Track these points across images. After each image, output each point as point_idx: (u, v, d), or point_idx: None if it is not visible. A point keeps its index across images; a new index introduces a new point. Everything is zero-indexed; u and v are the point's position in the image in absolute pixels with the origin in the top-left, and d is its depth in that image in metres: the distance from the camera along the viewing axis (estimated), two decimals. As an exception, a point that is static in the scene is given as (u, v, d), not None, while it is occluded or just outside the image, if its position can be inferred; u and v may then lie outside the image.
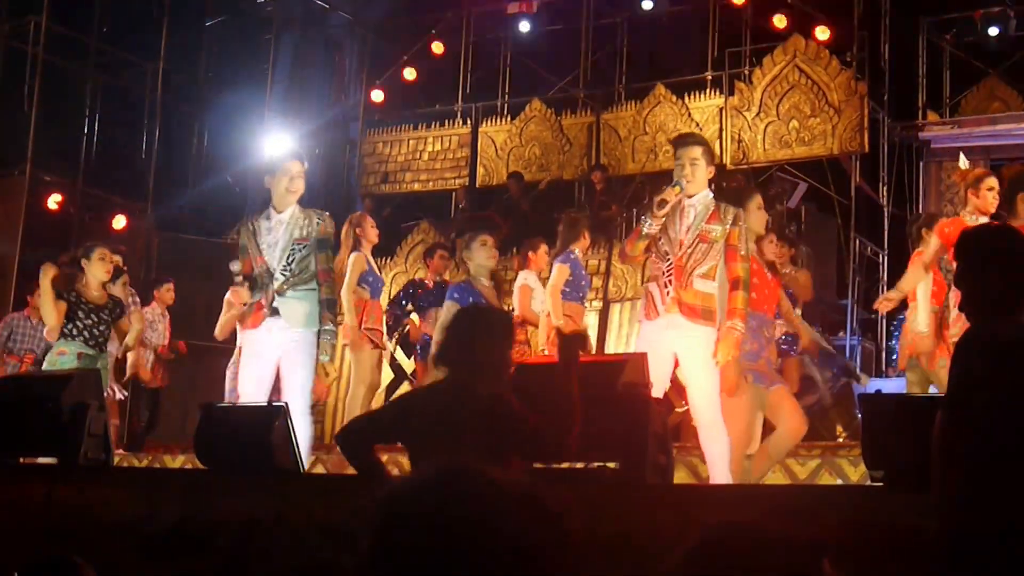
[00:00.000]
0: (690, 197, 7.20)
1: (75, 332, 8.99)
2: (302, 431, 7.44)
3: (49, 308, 8.92)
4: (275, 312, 7.63)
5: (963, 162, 10.25)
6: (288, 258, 7.65)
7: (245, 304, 7.93)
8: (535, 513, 1.84)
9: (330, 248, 7.86)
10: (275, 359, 7.68)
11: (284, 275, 7.64)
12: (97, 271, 9.16)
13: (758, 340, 7.45)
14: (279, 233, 7.71)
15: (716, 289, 7.10)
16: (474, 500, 1.82)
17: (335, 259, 8.09)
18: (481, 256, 8.31)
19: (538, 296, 10.20)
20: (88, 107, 16.57)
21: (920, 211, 15.14)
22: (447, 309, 8.12)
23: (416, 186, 17.99)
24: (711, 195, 7.31)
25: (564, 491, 1.90)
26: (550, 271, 10.26)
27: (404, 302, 11.68)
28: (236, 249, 8.01)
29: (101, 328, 9.10)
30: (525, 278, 10.21)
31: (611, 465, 5.71)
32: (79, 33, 16.49)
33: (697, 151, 7.26)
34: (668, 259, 7.14)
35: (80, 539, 6.03)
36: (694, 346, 7.01)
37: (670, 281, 7.09)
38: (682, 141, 7.51)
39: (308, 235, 7.70)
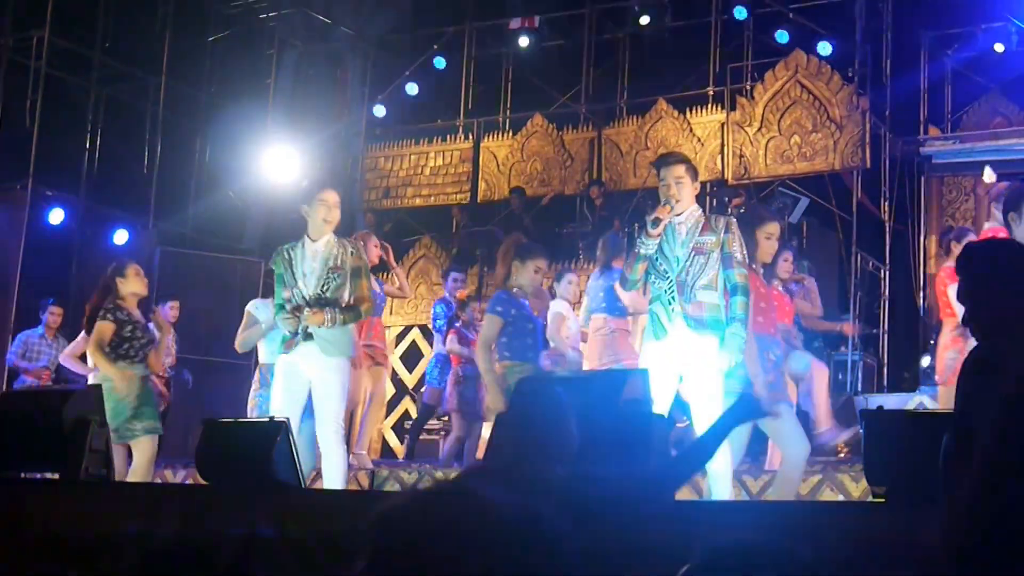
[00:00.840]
0: (679, 215, 7.24)
1: (132, 352, 8.73)
2: (337, 458, 7.52)
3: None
4: (308, 337, 7.64)
5: (988, 175, 10.23)
6: (323, 287, 7.70)
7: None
8: (528, 534, 1.83)
9: (365, 277, 7.89)
10: (307, 381, 7.71)
11: (319, 304, 7.67)
12: (137, 286, 8.94)
13: (756, 364, 7.43)
14: (316, 262, 7.74)
15: (720, 299, 7.15)
16: (466, 519, 1.81)
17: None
18: (526, 278, 8.19)
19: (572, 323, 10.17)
20: (90, 121, 16.58)
21: (922, 226, 15.17)
22: (490, 321, 8.02)
23: (418, 201, 17.99)
24: (699, 209, 7.39)
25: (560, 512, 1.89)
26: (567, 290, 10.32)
27: (439, 322, 11.75)
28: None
29: (148, 346, 8.89)
30: (559, 306, 10.15)
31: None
32: (82, 47, 16.51)
33: (680, 169, 7.31)
34: (668, 277, 7.17)
35: (80, 555, 6.02)
36: (698, 358, 7.03)
37: (673, 298, 7.13)
38: (664, 161, 7.52)
39: (342, 264, 7.74)
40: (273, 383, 7.98)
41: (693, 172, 7.42)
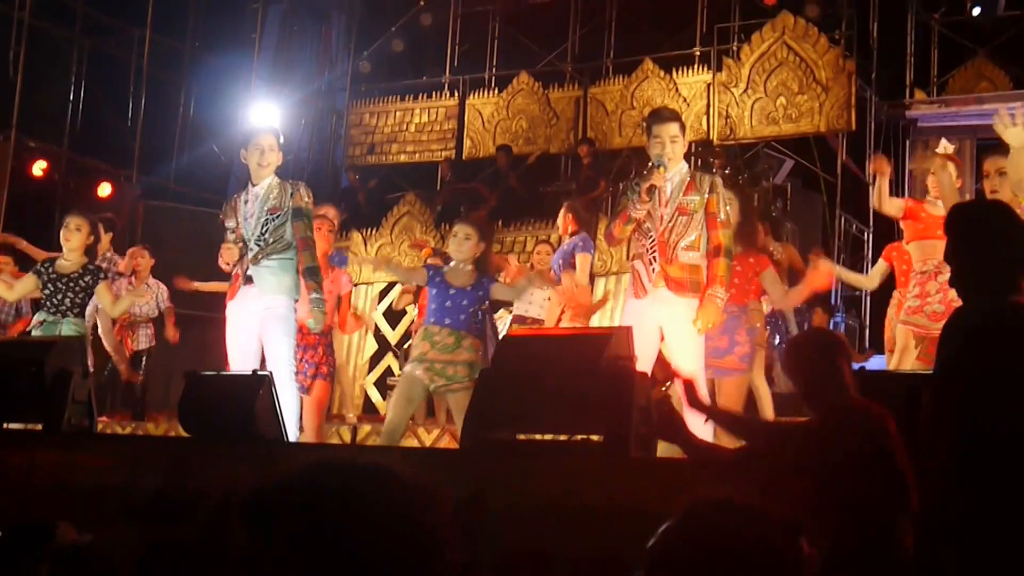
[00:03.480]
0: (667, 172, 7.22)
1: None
2: (289, 401, 7.44)
3: None
4: (249, 280, 7.68)
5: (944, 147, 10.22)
6: (262, 228, 7.71)
7: (230, 265, 7.95)
8: (393, 489, 1.85)
9: (306, 217, 7.83)
10: (255, 329, 7.71)
11: (259, 245, 7.69)
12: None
13: (728, 335, 7.47)
14: (254, 205, 7.77)
15: (702, 259, 7.13)
16: (331, 478, 1.84)
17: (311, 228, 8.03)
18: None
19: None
20: (74, 73, 16.51)
21: (906, 189, 15.18)
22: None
23: (402, 157, 17.96)
24: (686, 166, 7.34)
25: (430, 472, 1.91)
26: None
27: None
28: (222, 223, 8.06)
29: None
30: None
31: (595, 438, 5.73)
32: (65, -2, 16.43)
33: (675, 127, 7.26)
34: (651, 235, 7.14)
35: (62, 506, 6.03)
36: (679, 319, 7.02)
37: (655, 257, 7.10)
38: (659, 117, 7.43)
39: (282, 205, 7.74)
40: (226, 336, 7.94)
41: (684, 130, 7.40)
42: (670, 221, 7.13)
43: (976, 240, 4.12)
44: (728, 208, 7.28)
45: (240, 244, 7.80)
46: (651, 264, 7.12)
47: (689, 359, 7.00)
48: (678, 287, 7.05)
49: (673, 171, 7.21)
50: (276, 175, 7.87)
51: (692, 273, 7.09)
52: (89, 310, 9.50)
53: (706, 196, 7.15)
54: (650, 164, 7.24)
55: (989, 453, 3.80)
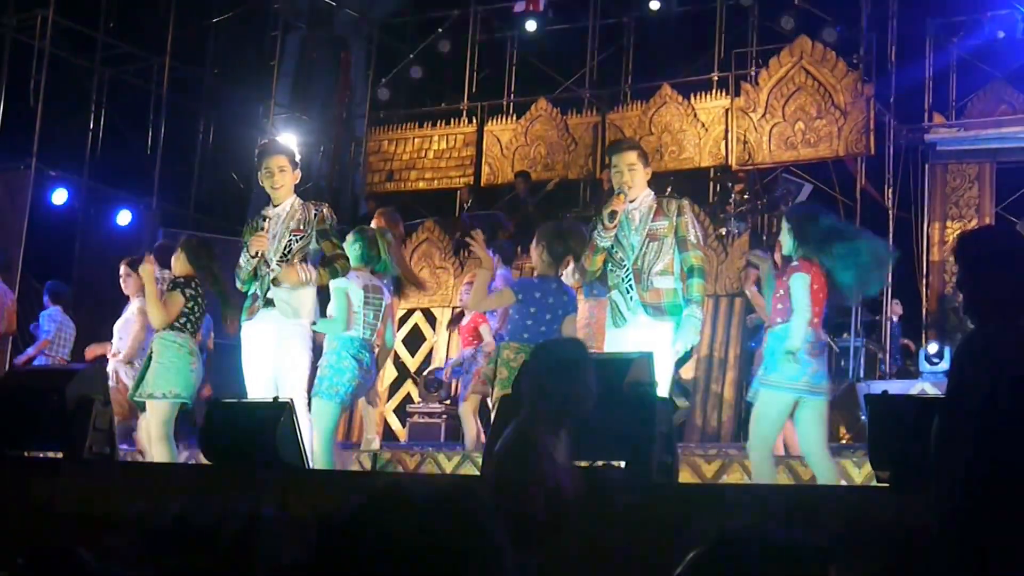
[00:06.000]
0: (632, 202, 7.31)
1: None
2: (303, 427, 7.44)
3: None
4: (269, 303, 7.67)
5: None
6: (285, 248, 7.72)
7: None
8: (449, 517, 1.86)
9: (332, 236, 7.88)
10: (271, 353, 7.71)
11: (280, 265, 7.69)
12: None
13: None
14: (277, 225, 7.78)
15: (676, 283, 7.22)
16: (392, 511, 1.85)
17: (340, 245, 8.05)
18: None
19: None
20: (94, 102, 16.56)
21: (925, 213, 15.14)
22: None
23: (421, 184, 17.96)
24: (652, 194, 7.45)
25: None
26: None
27: None
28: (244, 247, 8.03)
29: None
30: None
31: (617, 464, 5.71)
32: (86, 27, 16.47)
33: (633, 156, 7.40)
34: (624, 265, 7.26)
35: (83, 533, 6.03)
36: (656, 343, 7.03)
37: (631, 286, 7.22)
38: (616, 148, 7.72)
39: (306, 226, 7.76)
40: (243, 358, 7.93)
41: (645, 158, 7.52)
42: (641, 248, 7.26)
43: (984, 266, 4.13)
44: (698, 230, 7.37)
45: (256, 264, 7.77)
46: (628, 293, 7.23)
47: (669, 382, 7.08)
48: (655, 311, 7.16)
49: (638, 199, 7.33)
50: (298, 195, 7.92)
51: (667, 297, 7.21)
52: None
53: (675, 220, 7.27)
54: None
55: (1003, 477, 3.79)
